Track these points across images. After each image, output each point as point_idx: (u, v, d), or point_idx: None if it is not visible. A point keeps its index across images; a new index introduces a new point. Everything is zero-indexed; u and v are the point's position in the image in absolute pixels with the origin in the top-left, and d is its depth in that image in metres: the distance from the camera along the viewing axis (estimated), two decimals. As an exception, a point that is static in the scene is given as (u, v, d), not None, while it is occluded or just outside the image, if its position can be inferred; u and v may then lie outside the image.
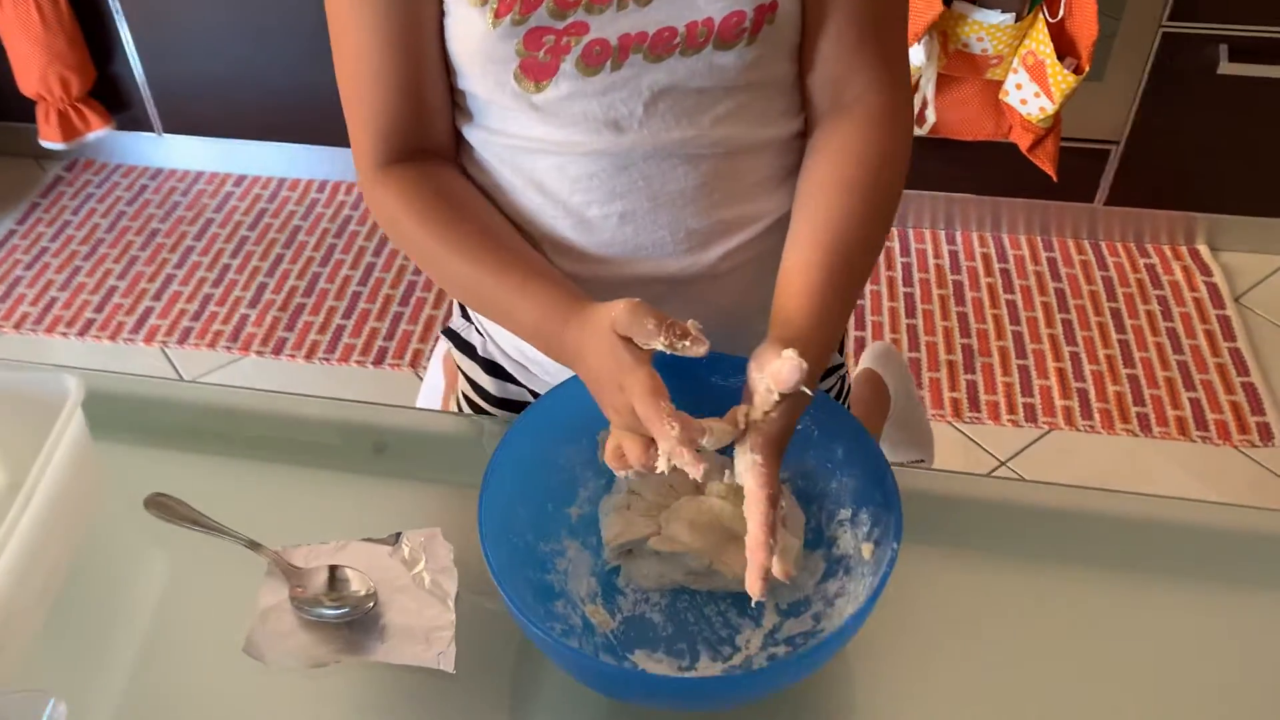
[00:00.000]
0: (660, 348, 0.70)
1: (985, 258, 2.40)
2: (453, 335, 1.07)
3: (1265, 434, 2.01)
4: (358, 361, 2.17)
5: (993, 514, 0.89)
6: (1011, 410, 2.06)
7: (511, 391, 1.03)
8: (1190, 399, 2.07)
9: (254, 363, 2.19)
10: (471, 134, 0.88)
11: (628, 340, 0.72)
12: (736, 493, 0.80)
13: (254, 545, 0.84)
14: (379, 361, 2.17)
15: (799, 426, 0.83)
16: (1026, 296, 2.29)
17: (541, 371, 0.97)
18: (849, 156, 0.83)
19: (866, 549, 0.76)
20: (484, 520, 0.73)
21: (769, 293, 0.93)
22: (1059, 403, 2.07)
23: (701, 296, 0.91)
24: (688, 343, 0.69)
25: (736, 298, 0.93)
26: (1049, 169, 2.12)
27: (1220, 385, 2.10)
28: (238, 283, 2.35)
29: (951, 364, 2.15)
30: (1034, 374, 2.13)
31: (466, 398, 1.08)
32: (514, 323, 0.83)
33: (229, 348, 2.21)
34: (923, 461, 1.40)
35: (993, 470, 1.96)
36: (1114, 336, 2.20)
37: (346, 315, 2.27)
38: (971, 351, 2.17)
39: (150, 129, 2.61)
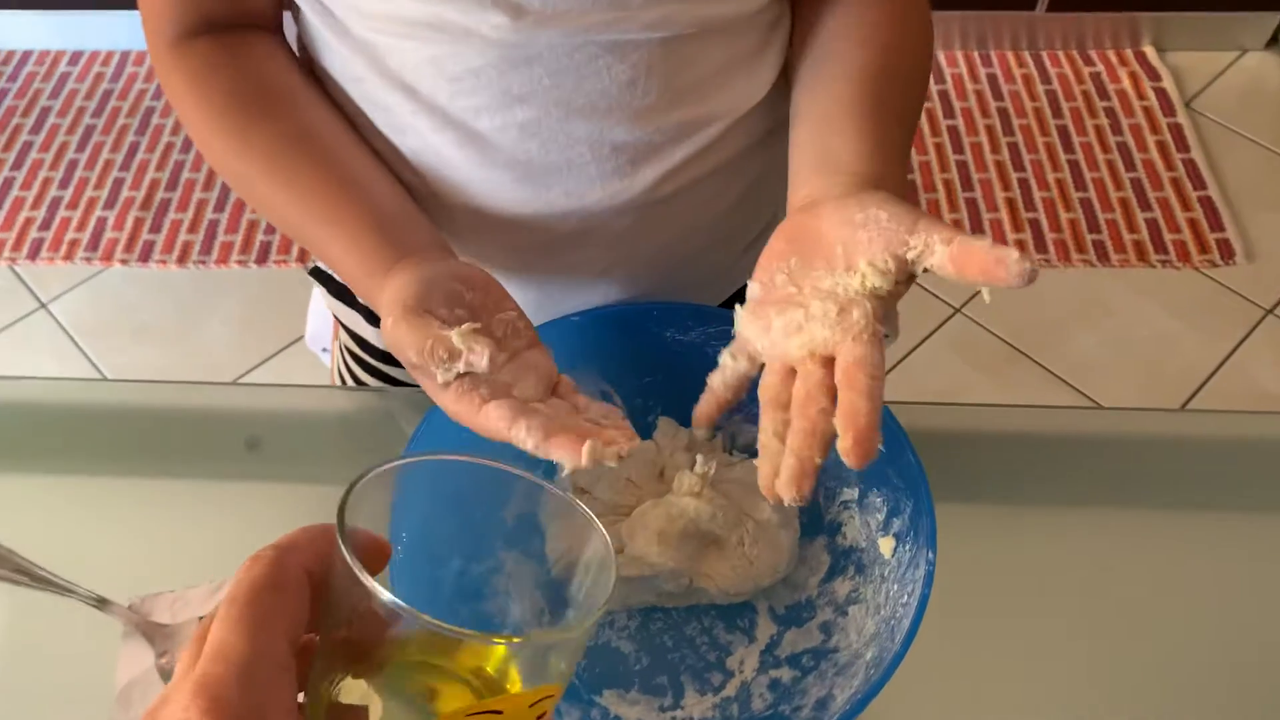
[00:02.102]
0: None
1: (920, 79, 2.21)
2: (322, 276, 0.84)
3: (1226, 251, 1.90)
4: (239, 262, 1.92)
5: (1023, 451, 0.74)
6: (961, 250, 1.91)
7: (401, 344, 0.82)
8: (1147, 219, 1.94)
9: (120, 273, 1.93)
10: (317, 16, 0.65)
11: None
12: (712, 486, 0.63)
13: (102, 602, 0.65)
14: (263, 260, 1.92)
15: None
16: (969, 120, 2.11)
17: None
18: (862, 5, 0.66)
19: (885, 544, 0.60)
20: (396, 567, 0.55)
21: (724, 220, 0.74)
22: (1011, 236, 1.92)
23: (633, 232, 0.70)
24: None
25: (680, 230, 0.72)
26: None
27: (1177, 202, 1.96)
28: (89, 180, 2.06)
29: (894, 204, 1.98)
30: (983, 207, 1.97)
31: (348, 350, 0.87)
32: (335, 269, 0.63)
33: (89, 258, 1.94)
34: (888, 336, 1.24)
35: (947, 319, 1.82)
36: (1063, 157, 2.04)
37: (219, 208, 2.00)
38: (914, 187, 2.00)
39: (-42, 4, 2.25)
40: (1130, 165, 2.02)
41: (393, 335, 0.54)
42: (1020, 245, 1.86)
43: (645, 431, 0.68)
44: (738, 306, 0.56)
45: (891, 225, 0.51)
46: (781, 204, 0.82)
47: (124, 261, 1.93)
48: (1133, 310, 1.84)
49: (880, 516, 0.62)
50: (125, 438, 0.75)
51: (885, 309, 0.53)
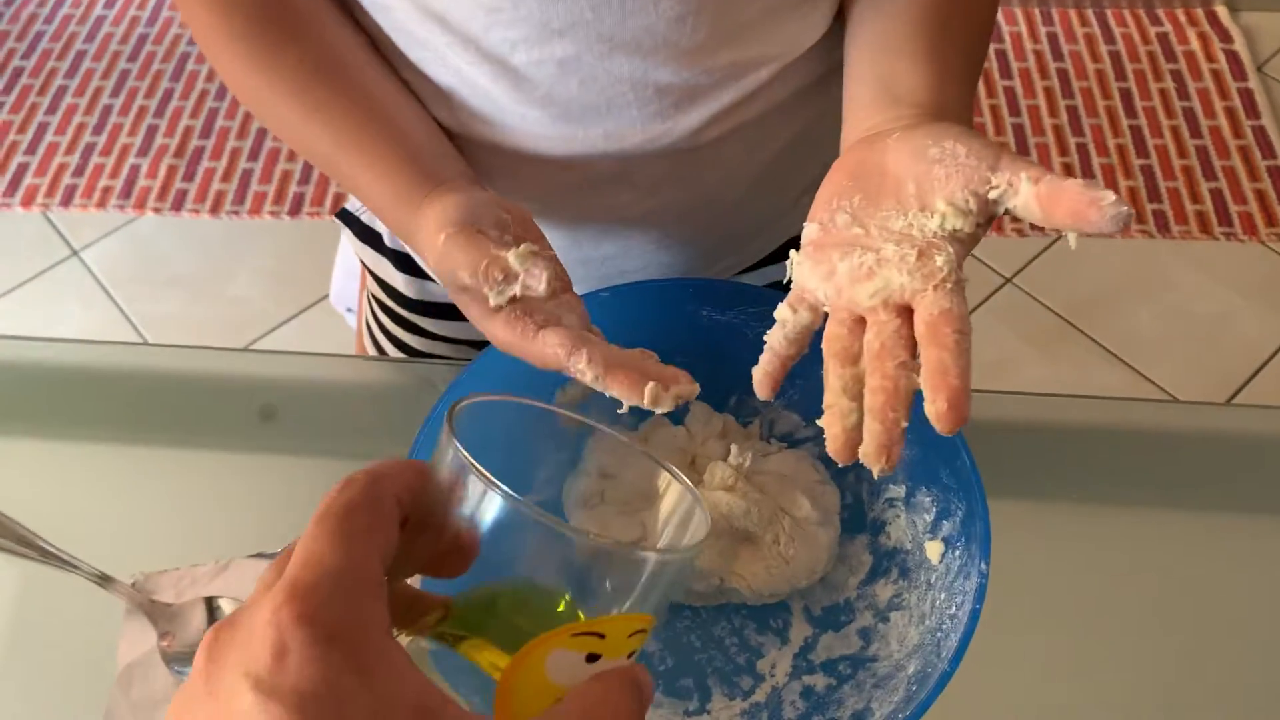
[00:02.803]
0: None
1: (976, 37, 2.12)
2: (349, 219, 0.82)
3: (1294, 225, 1.81)
4: (271, 213, 1.89)
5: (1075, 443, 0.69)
6: (1014, 217, 1.84)
7: (433, 292, 0.79)
8: (1211, 190, 1.85)
9: (152, 222, 1.90)
10: None
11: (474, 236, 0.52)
12: (746, 479, 0.59)
13: (104, 579, 0.63)
14: (295, 211, 1.89)
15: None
16: (1026, 81, 2.02)
17: None
18: None
19: (933, 548, 0.56)
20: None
21: (771, 166, 0.70)
22: (1066, 204, 1.84)
23: (672, 177, 0.66)
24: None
25: (724, 175, 0.68)
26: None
27: (1244, 172, 1.87)
28: (123, 127, 2.03)
29: (946, 168, 1.91)
30: (1037, 173, 1.89)
31: (375, 300, 0.84)
32: (365, 200, 0.61)
33: (121, 206, 1.91)
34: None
35: (998, 289, 1.75)
36: (1125, 122, 1.95)
37: (252, 157, 1.97)
38: (967, 151, 1.92)
39: (-6, -56, 2.21)
40: (1196, 132, 1.93)
41: (444, 251, 0.52)
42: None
43: (676, 417, 0.64)
44: (793, 252, 0.52)
45: (971, 161, 0.47)
46: (837, 149, 0.77)
47: (156, 210, 1.91)
48: (1193, 285, 1.76)
49: (928, 518, 0.57)
50: (132, 403, 0.72)
51: (965, 254, 0.48)
